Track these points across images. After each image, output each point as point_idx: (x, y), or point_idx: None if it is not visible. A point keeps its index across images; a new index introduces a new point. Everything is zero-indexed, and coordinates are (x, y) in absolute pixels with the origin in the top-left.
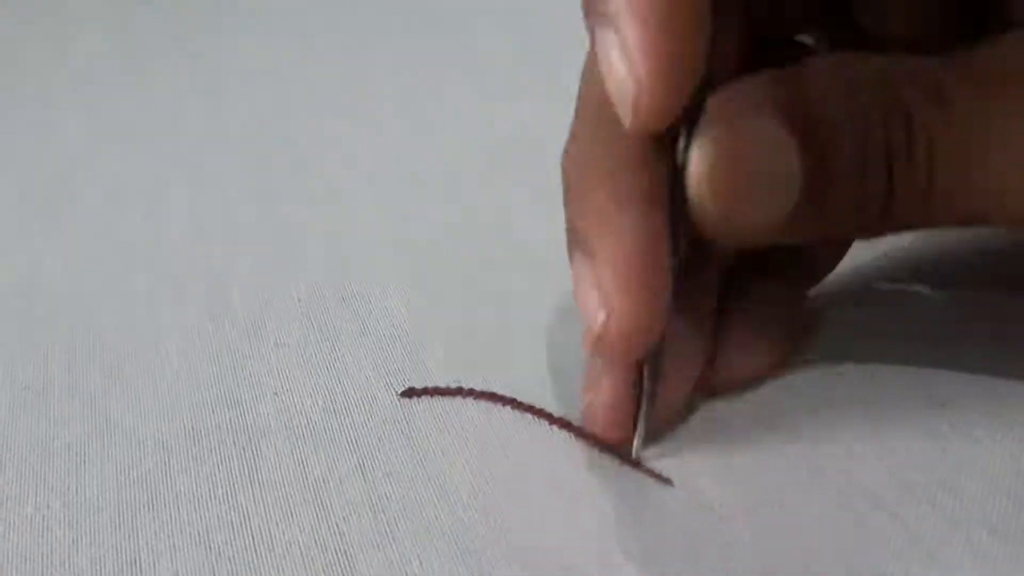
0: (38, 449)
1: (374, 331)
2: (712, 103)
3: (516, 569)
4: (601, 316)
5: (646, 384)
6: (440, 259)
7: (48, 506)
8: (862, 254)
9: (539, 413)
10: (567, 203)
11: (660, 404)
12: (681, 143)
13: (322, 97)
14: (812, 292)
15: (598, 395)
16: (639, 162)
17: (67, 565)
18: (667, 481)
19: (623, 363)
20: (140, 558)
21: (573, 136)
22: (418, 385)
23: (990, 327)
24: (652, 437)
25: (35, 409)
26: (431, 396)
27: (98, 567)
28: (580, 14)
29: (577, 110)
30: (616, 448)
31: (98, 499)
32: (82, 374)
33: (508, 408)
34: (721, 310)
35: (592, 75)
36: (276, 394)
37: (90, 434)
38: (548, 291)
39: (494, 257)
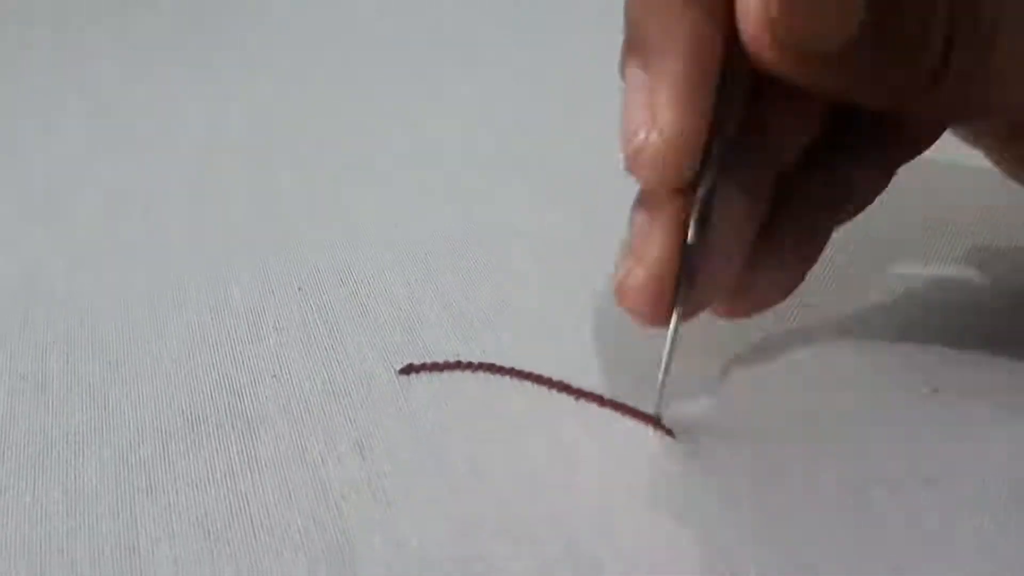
0: (37, 437)
1: (374, 312)
2: None
3: (516, 544)
4: (643, 132)
5: (692, 237)
6: (440, 244)
7: (47, 494)
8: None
9: (537, 379)
10: (627, 7)
11: (695, 298)
12: None
13: (322, 97)
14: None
15: (643, 259)
16: None
17: (66, 553)
18: (668, 432)
19: (660, 189)
20: (139, 544)
21: None
22: (417, 362)
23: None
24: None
25: (34, 397)
26: (429, 372)
27: (97, 554)
28: (581, 14)
29: None
30: (617, 403)
31: (97, 486)
32: (81, 361)
33: (507, 381)
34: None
35: None
36: (275, 377)
37: (89, 421)
38: (546, 269)
39: (494, 241)
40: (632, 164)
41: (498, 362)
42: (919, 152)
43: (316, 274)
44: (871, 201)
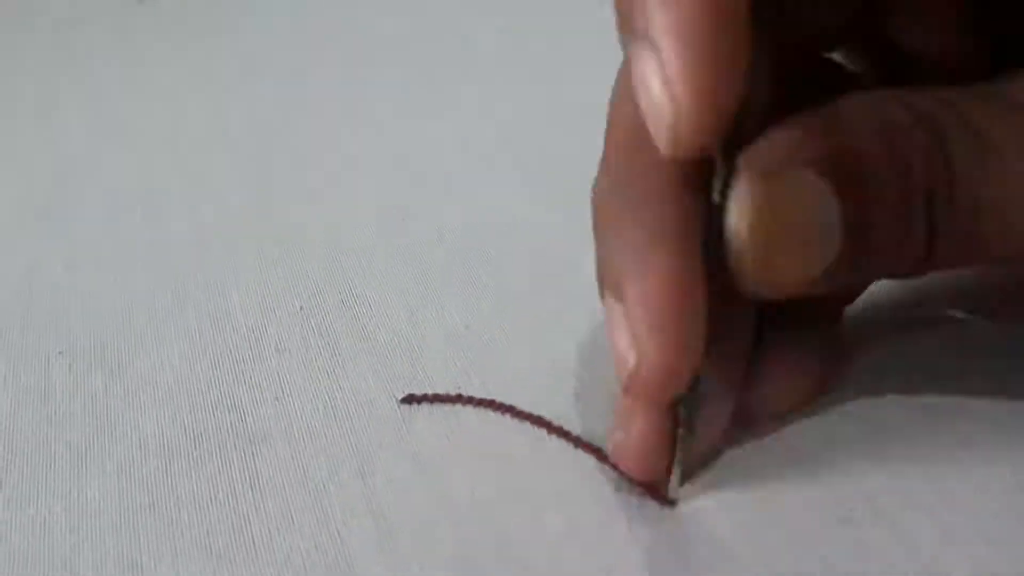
0: (40, 452)
1: (375, 336)
2: (747, 154)
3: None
4: (632, 359)
5: (681, 426)
6: (441, 263)
7: (49, 509)
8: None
9: (538, 422)
10: (597, 238)
11: (695, 445)
12: (717, 177)
13: (322, 98)
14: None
15: (629, 435)
16: (674, 194)
17: (68, 568)
18: (670, 503)
19: (655, 405)
20: (141, 561)
21: (603, 165)
22: (418, 390)
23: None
24: (687, 476)
25: (36, 412)
26: (431, 403)
27: (99, 570)
28: (582, 15)
29: (607, 135)
30: (616, 467)
31: (99, 502)
32: (83, 377)
33: (507, 418)
34: (755, 342)
35: (623, 96)
36: (277, 399)
37: (91, 437)
38: (550, 295)
39: (495, 261)
40: (627, 392)
41: (498, 394)
42: None
43: (317, 293)
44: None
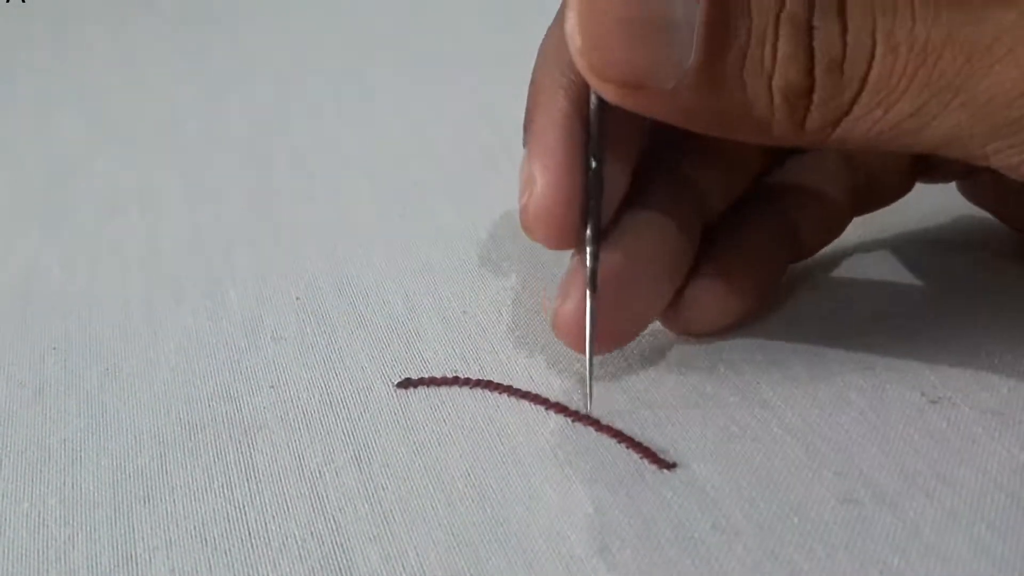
0: (34, 445)
1: (371, 322)
2: None
3: (512, 558)
4: (523, 196)
5: (589, 298)
6: (439, 255)
7: (44, 502)
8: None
9: (535, 399)
10: (530, 83)
11: (620, 321)
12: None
13: (320, 94)
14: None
15: (564, 302)
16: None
17: (63, 561)
18: (669, 465)
19: (552, 242)
20: (136, 553)
21: (549, 31)
22: (415, 376)
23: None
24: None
25: (31, 405)
26: (427, 387)
27: (94, 563)
28: None
29: (556, 16)
30: (614, 429)
31: (94, 494)
32: (78, 370)
33: (504, 397)
34: (707, 252)
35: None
36: (272, 387)
37: (86, 429)
38: (546, 280)
39: (493, 255)
40: (521, 223)
41: (496, 376)
42: (882, 205)
43: (314, 283)
44: (826, 243)
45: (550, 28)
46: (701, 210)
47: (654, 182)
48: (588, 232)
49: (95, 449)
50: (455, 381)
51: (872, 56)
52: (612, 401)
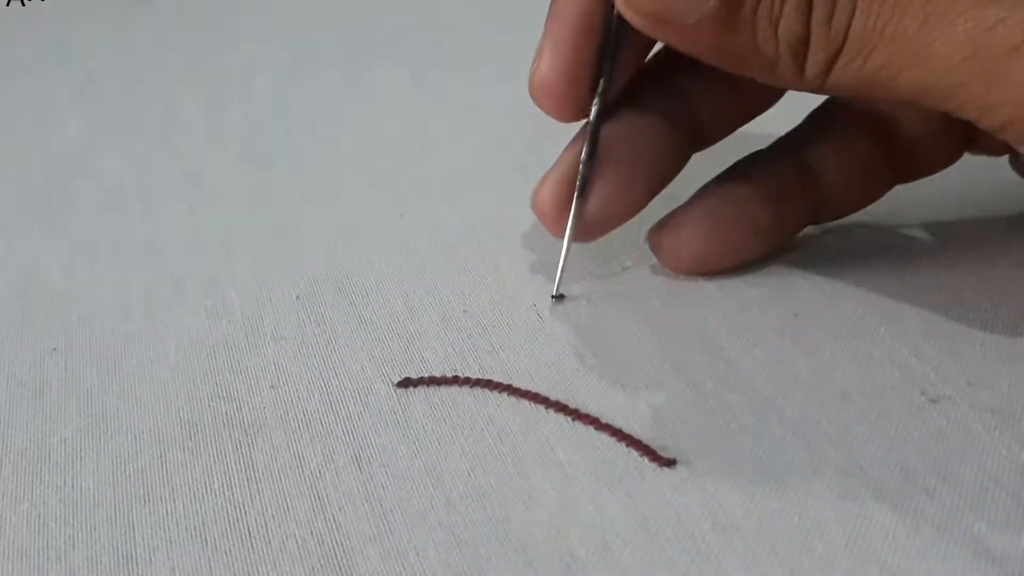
0: (35, 445)
1: (371, 322)
2: None
3: (512, 557)
4: (533, 65)
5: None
6: (439, 256)
7: (45, 502)
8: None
9: (535, 398)
10: None
11: (587, 215)
12: None
13: (320, 95)
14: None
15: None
16: None
17: (64, 561)
18: (668, 462)
19: (553, 111)
20: (136, 553)
21: None
22: (415, 376)
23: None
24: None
25: (32, 405)
26: (427, 386)
27: (95, 562)
28: None
29: None
30: (613, 427)
31: (94, 494)
32: (79, 369)
33: (504, 396)
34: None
35: None
36: (273, 387)
37: (86, 429)
38: (544, 280)
39: (492, 255)
40: (531, 92)
41: (496, 375)
42: (926, 174)
43: (314, 283)
44: (858, 206)
45: None
46: (691, 123)
47: (648, 88)
48: (592, 112)
49: (95, 449)
50: (455, 380)
51: (852, 13)
52: (611, 399)
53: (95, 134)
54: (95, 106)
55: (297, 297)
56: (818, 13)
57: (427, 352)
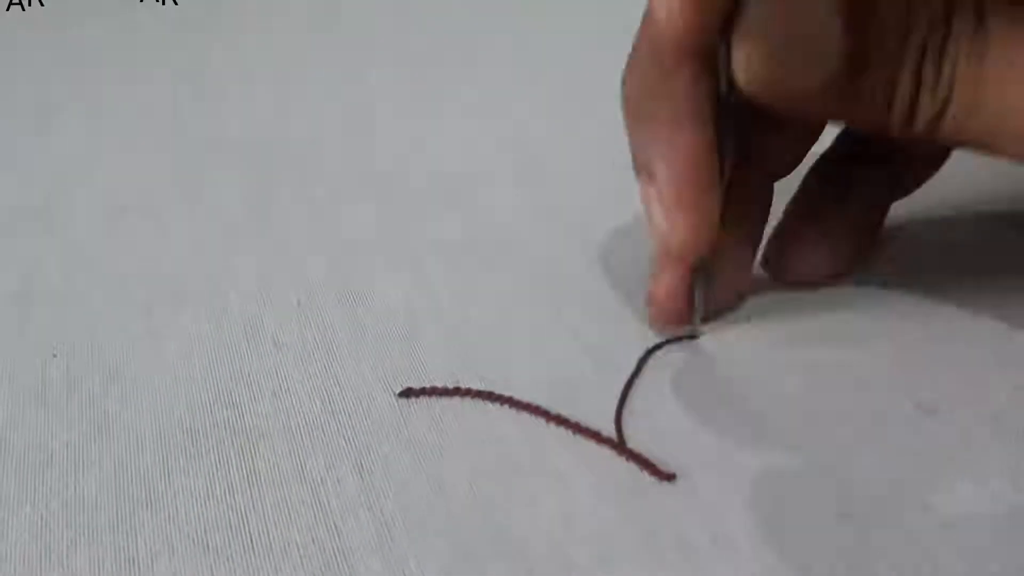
0: (36, 450)
1: (373, 330)
2: None
3: (513, 569)
4: (664, 229)
5: (700, 278)
6: (440, 265)
7: (47, 506)
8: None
9: (536, 411)
10: (628, 126)
11: (714, 297)
12: (722, 69)
13: (321, 100)
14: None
15: (659, 286)
16: (691, 84)
17: (65, 565)
18: (668, 476)
19: (681, 263)
20: (138, 558)
21: (631, 64)
22: (416, 384)
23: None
24: (706, 320)
25: (33, 410)
26: (429, 396)
27: (96, 567)
28: (583, 21)
29: (635, 44)
30: (614, 441)
31: (96, 499)
32: (80, 374)
33: (505, 408)
34: (792, 216)
35: (648, 14)
36: (274, 394)
37: (89, 434)
38: (546, 290)
39: (494, 265)
40: (661, 259)
41: (497, 386)
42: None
43: (314, 288)
44: (930, 176)
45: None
46: (772, 174)
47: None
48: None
49: (97, 453)
50: (456, 391)
51: (951, 87)
52: (612, 413)
53: (95, 137)
54: (95, 107)
55: (298, 302)
56: (926, 83)
57: (428, 361)
